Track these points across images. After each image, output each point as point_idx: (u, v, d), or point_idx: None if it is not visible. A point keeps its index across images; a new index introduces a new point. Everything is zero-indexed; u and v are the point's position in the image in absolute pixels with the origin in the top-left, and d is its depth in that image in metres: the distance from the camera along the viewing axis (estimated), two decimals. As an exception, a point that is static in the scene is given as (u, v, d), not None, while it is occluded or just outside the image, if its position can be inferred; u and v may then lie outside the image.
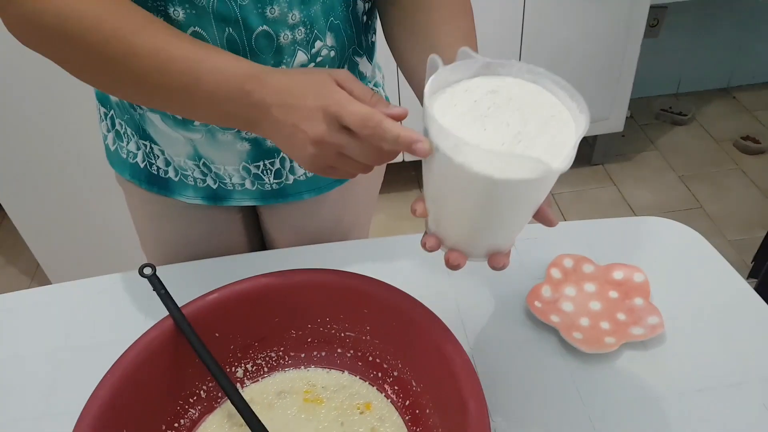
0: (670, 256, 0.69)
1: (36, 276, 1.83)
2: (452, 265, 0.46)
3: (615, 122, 1.95)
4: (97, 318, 0.66)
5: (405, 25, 0.58)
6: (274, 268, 0.58)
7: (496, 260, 0.47)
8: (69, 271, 1.61)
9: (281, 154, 0.68)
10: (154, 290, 0.53)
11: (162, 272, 0.57)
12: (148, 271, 0.54)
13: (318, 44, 0.59)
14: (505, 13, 1.68)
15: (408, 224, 1.94)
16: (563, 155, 0.39)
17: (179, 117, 0.62)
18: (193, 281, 0.59)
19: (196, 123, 0.62)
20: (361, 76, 0.69)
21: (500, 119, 0.41)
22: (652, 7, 1.77)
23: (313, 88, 0.45)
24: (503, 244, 0.47)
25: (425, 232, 0.48)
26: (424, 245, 0.47)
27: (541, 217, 0.47)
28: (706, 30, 2.27)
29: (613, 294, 0.64)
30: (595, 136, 2.03)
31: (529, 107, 0.42)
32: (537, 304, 0.62)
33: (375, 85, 0.74)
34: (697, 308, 0.63)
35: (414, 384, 0.55)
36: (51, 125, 1.37)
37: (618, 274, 0.65)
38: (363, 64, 0.68)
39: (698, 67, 2.38)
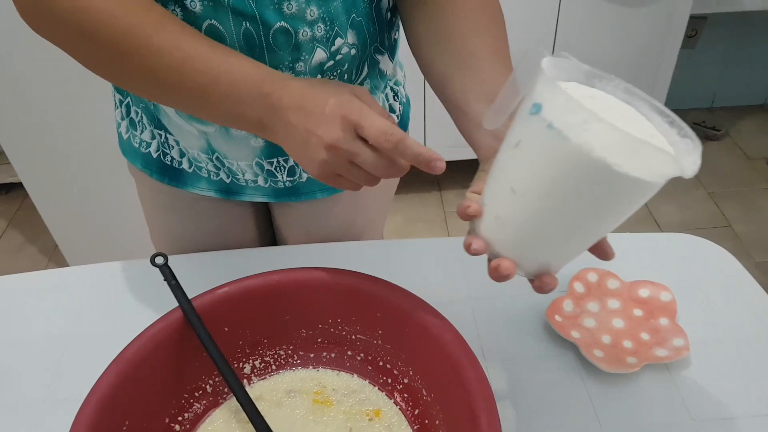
0: (699, 276, 0.66)
1: (54, 256, 1.85)
2: (501, 275, 0.42)
3: (645, 134, 1.91)
4: (108, 304, 0.65)
5: (432, 30, 0.56)
6: (286, 264, 0.57)
7: (546, 282, 0.43)
8: (86, 253, 1.62)
9: None
10: (165, 280, 0.52)
11: (173, 262, 0.56)
12: (159, 260, 0.53)
13: (338, 41, 0.57)
14: (537, 20, 1.65)
15: (424, 227, 1.91)
16: (692, 161, 0.35)
17: None
18: (204, 273, 0.58)
19: None
20: (382, 75, 0.67)
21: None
22: (691, 18, 1.72)
23: (333, 96, 0.45)
24: (561, 262, 0.43)
25: (468, 232, 0.45)
26: (468, 246, 0.43)
27: (599, 246, 0.43)
28: (745, 43, 2.21)
29: (638, 312, 0.61)
30: (624, 148, 1.99)
31: (627, 121, 0.38)
32: (557, 318, 0.60)
33: (396, 83, 0.72)
34: (724, 331, 0.60)
35: (425, 393, 0.53)
36: (72, 110, 1.37)
37: (644, 292, 0.62)
38: (384, 62, 0.66)
39: (735, 81, 2.31)
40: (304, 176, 0.69)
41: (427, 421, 0.52)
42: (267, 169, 0.67)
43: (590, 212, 0.38)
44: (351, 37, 0.58)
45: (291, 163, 0.67)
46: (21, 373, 0.59)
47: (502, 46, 0.54)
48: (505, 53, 0.53)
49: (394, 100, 0.72)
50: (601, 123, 0.34)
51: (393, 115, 0.72)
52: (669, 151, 0.35)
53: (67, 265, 0.79)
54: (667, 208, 1.97)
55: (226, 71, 0.46)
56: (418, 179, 2.00)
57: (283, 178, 0.68)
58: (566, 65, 0.39)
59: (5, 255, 1.87)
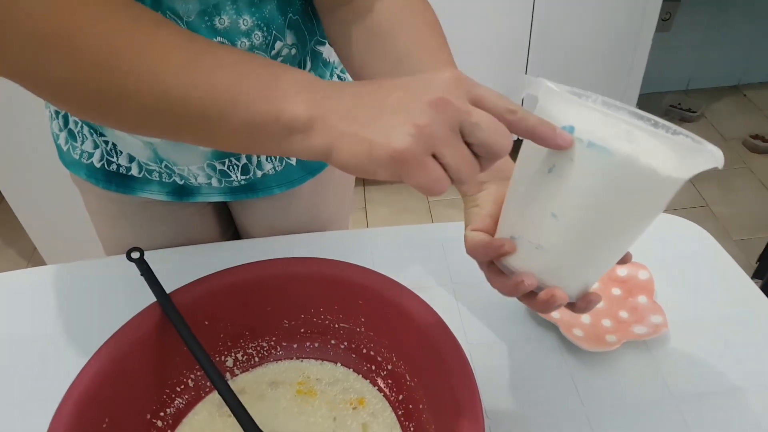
0: (676, 255, 0.67)
1: (33, 259, 1.82)
2: (556, 305, 0.40)
3: (623, 118, 1.93)
4: (87, 302, 0.65)
5: (360, 31, 0.51)
6: (263, 256, 0.56)
7: (593, 300, 0.41)
8: (66, 254, 1.60)
9: None
10: (141, 275, 0.52)
11: (152, 257, 0.55)
12: (135, 254, 0.52)
13: (278, 45, 0.55)
14: (513, 8, 1.65)
15: (410, 217, 1.92)
16: (718, 154, 0.36)
17: None
18: (180, 268, 0.58)
19: None
20: (326, 63, 0.65)
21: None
22: (665, 1, 1.74)
23: (411, 79, 0.37)
24: (601, 275, 0.42)
25: (490, 269, 0.43)
26: (518, 285, 0.40)
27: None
28: (719, 26, 2.23)
29: (616, 291, 0.62)
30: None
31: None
32: (537, 299, 0.60)
33: (342, 70, 0.70)
34: (702, 308, 0.61)
35: (408, 378, 0.53)
36: (41, 113, 1.35)
37: (622, 271, 0.63)
38: (327, 50, 0.64)
39: (709, 63, 2.34)
40: (259, 173, 0.67)
41: (411, 406, 0.52)
42: (220, 170, 0.65)
43: (635, 219, 0.39)
44: (290, 38, 0.56)
45: (244, 161, 0.65)
46: (3, 372, 0.58)
47: (438, 41, 0.50)
48: (444, 49, 0.50)
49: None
50: (641, 131, 0.35)
51: None
52: (707, 146, 0.36)
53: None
54: (646, 191, 1.99)
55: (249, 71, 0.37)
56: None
57: (237, 177, 0.66)
58: (557, 85, 0.39)
59: (-17, 259, 1.84)
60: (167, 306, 0.50)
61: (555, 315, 0.59)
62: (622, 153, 0.35)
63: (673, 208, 2.06)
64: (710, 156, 0.36)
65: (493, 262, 0.44)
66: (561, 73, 1.79)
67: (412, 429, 0.51)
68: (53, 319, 0.63)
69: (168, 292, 0.52)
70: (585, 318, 0.59)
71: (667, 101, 2.31)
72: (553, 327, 0.59)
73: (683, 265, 0.66)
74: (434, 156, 0.35)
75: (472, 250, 0.43)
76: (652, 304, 0.60)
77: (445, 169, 0.35)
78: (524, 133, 0.36)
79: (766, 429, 0.51)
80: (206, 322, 0.54)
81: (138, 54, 0.36)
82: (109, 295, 0.65)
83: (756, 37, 2.28)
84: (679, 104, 2.29)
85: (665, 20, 2.12)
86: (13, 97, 1.31)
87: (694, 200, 1.95)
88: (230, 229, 0.81)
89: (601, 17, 1.69)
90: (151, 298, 0.52)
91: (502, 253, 0.41)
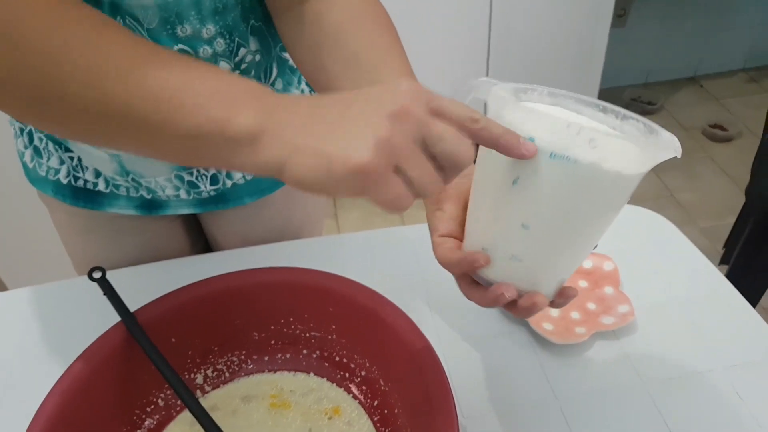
0: (639, 244, 0.69)
1: (-1, 286, 1.77)
2: (537, 310, 0.40)
3: (585, 113, 1.96)
4: (51, 325, 0.63)
5: (313, 34, 0.50)
6: (230, 269, 0.56)
7: (570, 295, 0.41)
8: (28, 277, 1.56)
9: None
10: (104, 294, 0.51)
11: (115, 276, 0.54)
12: (97, 274, 0.51)
13: (242, 51, 0.55)
14: (472, 7, 1.67)
15: (380, 220, 1.92)
16: (673, 142, 0.37)
17: None
18: (145, 285, 0.57)
19: None
20: (293, 70, 0.65)
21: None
22: (618, -3, 1.78)
23: (368, 91, 0.35)
24: (574, 270, 0.42)
25: (463, 280, 0.43)
26: (498, 297, 0.39)
27: None
28: (674, 19, 2.29)
29: (583, 283, 0.63)
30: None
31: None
32: (507, 296, 0.61)
33: None
34: (667, 296, 0.63)
35: (382, 383, 0.53)
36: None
37: (587, 263, 0.64)
38: None
39: (666, 56, 2.40)
40: (229, 183, 0.66)
41: (386, 411, 0.52)
42: (188, 180, 0.64)
43: (605, 216, 0.39)
44: (253, 44, 0.56)
45: (212, 171, 0.64)
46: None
47: (391, 42, 0.50)
48: (396, 49, 0.49)
49: (312, 93, 0.70)
50: (601, 134, 0.35)
51: None
52: (670, 136, 0.37)
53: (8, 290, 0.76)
54: (613, 184, 2.03)
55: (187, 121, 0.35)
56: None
57: (206, 187, 0.65)
58: (504, 88, 0.39)
59: (-56, 290, 1.78)
60: (132, 325, 0.50)
61: (524, 310, 0.60)
62: (586, 162, 0.35)
63: (640, 200, 2.10)
64: (669, 146, 0.36)
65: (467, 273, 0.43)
66: (522, 71, 1.81)
67: (387, 433, 0.51)
68: (16, 345, 0.61)
69: (133, 310, 0.51)
70: (554, 312, 0.60)
71: (627, 95, 2.36)
72: (523, 322, 0.60)
73: (647, 254, 0.67)
74: (397, 170, 0.33)
75: (446, 265, 0.42)
76: (619, 294, 0.61)
77: (410, 184, 0.33)
78: (488, 142, 0.35)
79: (733, 409, 0.52)
80: (173, 340, 0.53)
81: (80, 53, 0.34)
82: (74, 317, 0.63)
83: (710, 28, 2.34)
84: (640, 97, 2.34)
85: (621, 16, 2.16)
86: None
87: (659, 190, 1.99)
88: (200, 240, 0.80)
89: (557, 15, 1.72)
90: (117, 318, 0.50)
91: (477, 267, 0.40)
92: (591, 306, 0.60)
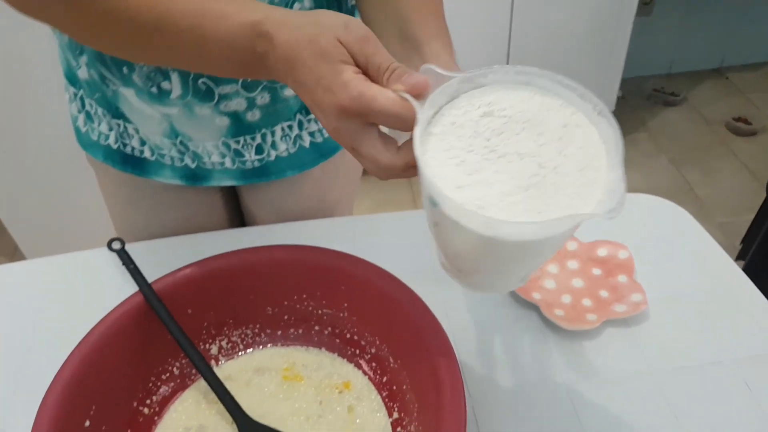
0: (657, 234, 0.68)
1: (15, 257, 1.81)
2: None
3: (605, 102, 1.92)
4: (69, 295, 0.64)
5: (378, 10, 0.51)
6: (251, 245, 0.56)
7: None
8: (48, 250, 1.59)
9: (263, 129, 0.65)
10: (123, 265, 0.52)
11: (134, 249, 0.55)
12: (116, 245, 0.52)
13: (297, 6, 0.56)
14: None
15: (393, 209, 1.92)
16: (615, 197, 0.33)
17: (155, 91, 0.59)
18: (167, 259, 0.58)
19: (173, 97, 0.60)
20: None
21: (509, 150, 0.35)
22: (645, -15, 1.75)
23: (321, 76, 0.38)
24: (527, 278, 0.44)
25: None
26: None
27: None
28: (700, 9, 2.25)
29: (596, 271, 0.63)
30: (587, 117, 2.02)
31: (536, 121, 0.36)
32: (519, 281, 0.61)
33: None
34: (681, 286, 0.62)
35: (391, 360, 0.54)
36: (24, 108, 1.34)
37: (602, 251, 0.64)
38: None
39: (691, 47, 2.36)
40: (273, 154, 0.68)
41: (395, 387, 0.53)
42: (234, 149, 0.66)
43: (527, 263, 0.38)
44: (308, 2, 0.57)
45: (258, 141, 0.66)
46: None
47: (442, 29, 0.50)
48: (446, 38, 0.50)
49: None
50: (501, 223, 0.33)
51: None
52: (580, 213, 0.33)
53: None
54: (631, 175, 1.99)
55: (212, 29, 0.41)
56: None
57: (251, 156, 0.67)
58: (444, 88, 0.37)
59: (-34, 259, 1.82)
60: (150, 295, 0.51)
61: (536, 296, 0.60)
62: (468, 227, 0.34)
63: (657, 194, 2.07)
64: (580, 219, 0.32)
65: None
66: (543, 58, 1.79)
67: (396, 409, 0.51)
68: (35, 314, 0.63)
69: (151, 281, 0.52)
70: (565, 298, 0.60)
71: (650, 85, 2.33)
72: (534, 308, 0.60)
73: (663, 244, 0.67)
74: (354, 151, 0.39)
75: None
76: (632, 282, 0.61)
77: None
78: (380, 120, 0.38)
79: (741, 401, 0.52)
80: (189, 311, 0.54)
81: None
82: (92, 288, 0.65)
83: (737, 19, 2.29)
84: (663, 88, 2.30)
85: (646, 4, 2.13)
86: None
87: (677, 183, 1.97)
88: (237, 217, 0.82)
89: (581, 2, 1.70)
90: (134, 289, 0.52)
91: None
92: (603, 294, 0.60)
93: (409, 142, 0.38)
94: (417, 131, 0.36)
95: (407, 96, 0.36)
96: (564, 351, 0.57)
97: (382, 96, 0.37)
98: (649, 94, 2.31)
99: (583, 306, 0.59)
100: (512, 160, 0.35)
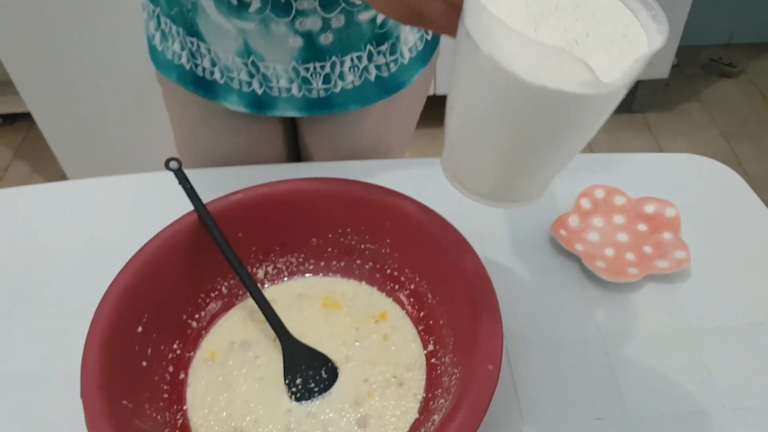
0: (705, 194, 0.67)
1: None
2: None
3: (660, 69, 1.87)
4: (124, 214, 0.67)
5: None
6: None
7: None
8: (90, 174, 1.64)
9: (332, 57, 0.66)
10: (179, 184, 0.53)
11: (193, 176, 0.56)
12: (174, 164, 0.54)
13: None
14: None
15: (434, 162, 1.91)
16: (620, 69, 0.30)
17: (234, 2, 0.60)
18: (220, 186, 0.59)
19: (251, 10, 0.60)
20: None
21: (557, 23, 0.32)
22: (713, -54, 1.66)
23: None
24: (534, 188, 0.39)
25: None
26: None
27: None
28: (769, -23, 2.13)
29: (642, 227, 0.62)
30: (638, 82, 1.95)
31: (597, 17, 0.33)
32: (562, 232, 0.61)
33: None
34: (727, 247, 0.62)
35: (430, 297, 0.55)
36: (79, 35, 1.36)
37: (649, 208, 0.63)
38: None
39: (754, 17, 2.25)
40: (339, 85, 0.69)
41: (431, 322, 0.54)
42: (303, 76, 0.67)
43: (520, 130, 0.34)
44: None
45: (327, 70, 0.67)
46: (41, 280, 0.61)
47: None
48: None
49: None
50: (502, 27, 0.29)
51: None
52: (578, 57, 0.29)
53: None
54: (678, 145, 1.95)
55: None
56: (429, 115, 1.98)
57: (318, 85, 0.68)
58: None
59: (13, 185, 1.89)
60: (204, 214, 0.52)
61: (578, 247, 0.60)
62: (485, 51, 0.30)
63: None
64: (583, 70, 0.28)
65: None
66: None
67: (431, 341, 0.53)
68: (92, 231, 0.66)
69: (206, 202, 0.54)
70: (608, 251, 0.60)
71: (706, 54, 2.23)
72: (576, 259, 0.60)
73: (712, 205, 0.66)
74: None
75: None
76: (677, 240, 0.60)
77: None
78: None
79: (780, 362, 0.52)
80: (240, 234, 0.55)
81: None
82: (148, 207, 0.67)
83: (808, -10, 2.17)
84: (720, 58, 2.21)
85: (713, -32, 2.03)
86: (45, 23, 1.32)
87: (727, 156, 1.91)
88: (294, 151, 0.84)
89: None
90: (188, 210, 0.53)
91: None
92: (647, 249, 0.60)
93: None
94: None
95: None
96: (603, 302, 0.57)
97: None
98: (705, 63, 2.22)
99: (626, 260, 0.59)
100: (553, 30, 0.32)
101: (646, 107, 2.05)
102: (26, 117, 1.68)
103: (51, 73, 1.42)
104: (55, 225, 0.67)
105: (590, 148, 1.90)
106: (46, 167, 1.90)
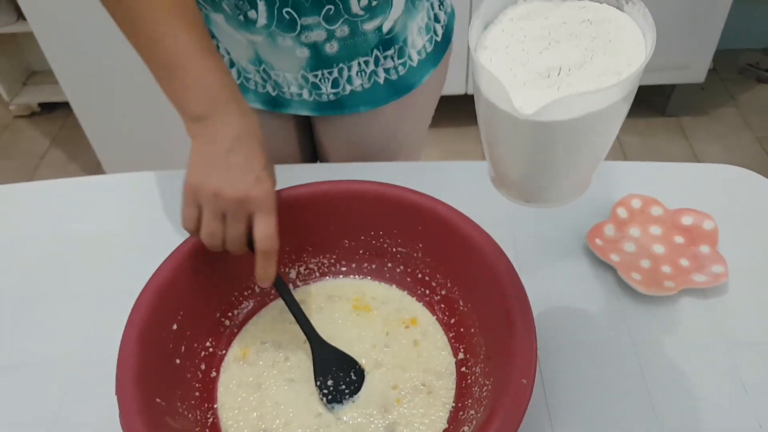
0: (743, 206, 0.66)
1: (96, 174, 1.90)
2: None
3: (696, 73, 1.83)
4: (161, 209, 0.68)
5: None
6: (327, 179, 0.58)
7: None
8: (129, 169, 1.66)
9: (340, 63, 0.67)
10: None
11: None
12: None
13: None
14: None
15: (461, 159, 1.90)
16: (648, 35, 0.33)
17: (241, 19, 0.61)
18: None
19: (258, 26, 0.61)
20: None
21: (568, 44, 0.35)
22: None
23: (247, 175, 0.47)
24: (574, 187, 0.41)
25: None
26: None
27: None
28: (812, -20, 2.07)
29: (679, 239, 0.61)
30: (673, 86, 1.92)
31: (609, 49, 0.35)
32: (598, 241, 0.60)
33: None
34: (766, 262, 0.60)
35: (461, 304, 0.54)
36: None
37: (687, 220, 0.62)
38: None
39: (796, 22, 2.18)
40: (348, 89, 0.70)
41: (462, 330, 0.54)
42: (312, 82, 0.68)
43: (521, 150, 0.37)
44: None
45: (335, 75, 0.68)
46: (79, 267, 0.62)
47: None
48: None
49: (440, 9, 0.71)
50: (493, 78, 0.33)
51: (438, 24, 0.71)
52: (576, 91, 0.33)
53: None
54: (712, 150, 1.91)
55: (181, 81, 0.49)
56: (456, 113, 1.97)
57: (327, 90, 0.69)
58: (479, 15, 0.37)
59: (49, 173, 1.93)
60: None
61: (614, 257, 0.59)
62: (482, 92, 0.34)
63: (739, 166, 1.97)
64: (577, 100, 0.32)
65: None
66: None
67: (462, 350, 0.53)
68: (127, 223, 0.67)
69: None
70: (644, 263, 0.59)
71: (743, 59, 2.18)
72: (611, 269, 0.59)
73: (748, 216, 0.65)
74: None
75: None
76: (715, 253, 0.59)
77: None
78: (261, 268, 0.49)
79: (821, 384, 0.51)
80: (273, 234, 0.56)
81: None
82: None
83: None
84: (758, 63, 2.15)
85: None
86: (87, 15, 1.34)
87: (761, 162, 1.86)
88: (309, 147, 0.85)
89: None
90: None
91: None
92: (684, 262, 0.59)
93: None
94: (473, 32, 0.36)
95: None
96: (637, 314, 0.56)
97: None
98: (742, 68, 2.17)
99: (662, 272, 0.58)
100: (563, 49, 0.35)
101: (681, 111, 2.01)
102: (64, 106, 1.71)
103: (89, 63, 1.44)
104: (92, 217, 0.68)
105: (623, 152, 1.87)
106: (81, 156, 1.93)
